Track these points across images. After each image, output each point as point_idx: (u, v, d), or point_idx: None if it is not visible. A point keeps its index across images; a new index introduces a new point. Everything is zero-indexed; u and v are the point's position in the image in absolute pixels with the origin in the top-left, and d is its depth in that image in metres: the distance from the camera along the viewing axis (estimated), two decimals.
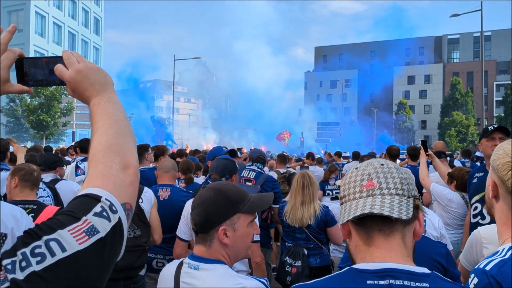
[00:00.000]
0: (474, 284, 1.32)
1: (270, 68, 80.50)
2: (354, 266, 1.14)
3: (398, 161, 11.42)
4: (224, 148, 5.70)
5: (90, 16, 50.77)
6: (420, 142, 5.21)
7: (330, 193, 8.08)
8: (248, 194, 1.79)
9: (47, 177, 4.42)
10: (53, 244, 0.75)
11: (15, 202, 3.03)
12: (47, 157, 4.81)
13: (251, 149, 6.78)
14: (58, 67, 1.05)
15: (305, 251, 3.90)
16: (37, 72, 1.08)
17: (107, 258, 0.81)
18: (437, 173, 5.17)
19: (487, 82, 59.65)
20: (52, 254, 0.74)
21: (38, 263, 0.72)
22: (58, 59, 1.06)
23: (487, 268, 1.32)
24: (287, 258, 3.92)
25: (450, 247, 3.42)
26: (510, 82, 46.54)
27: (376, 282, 1.07)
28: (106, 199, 0.86)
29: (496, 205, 1.44)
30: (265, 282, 1.69)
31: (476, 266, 1.39)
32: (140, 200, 3.47)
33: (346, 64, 75.60)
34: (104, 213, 0.84)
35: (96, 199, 0.85)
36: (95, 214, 0.82)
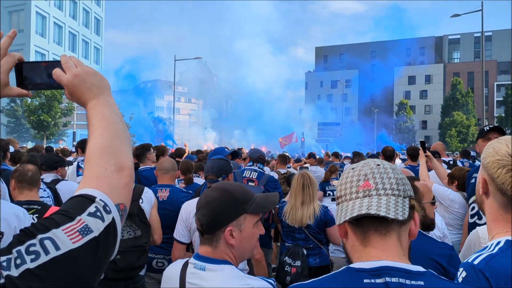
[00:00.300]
0: (462, 277, 1.35)
1: (270, 68, 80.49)
2: (351, 265, 1.16)
3: (399, 161, 11.44)
4: (226, 149, 5.72)
5: (90, 16, 50.80)
6: (419, 143, 5.21)
7: (331, 193, 8.07)
8: (254, 195, 1.78)
9: (48, 177, 4.43)
10: (47, 243, 0.77)
11: (20, 203, 3.10)
12: (49, 157, 4.82)
13: (251, 149, 6.80)
14: (56, 71, 1.08)
15: (305, 251, 3.92)
16: (36, 76, 1.11)
17: (100, 257, 0.83)
18: (433, 172, 5.19)
19: (487, 82, 59.62)
20: (46, 252, 0.76)
21: (32, 260, 0.74)
22: (57, 63, 1.09)
23: (475, 262, 1.35)
24: (286, 258, 3.93)
25: None
26: (510, 82, 46.51)
27: (372, 280, 1.08)
28: (100, 199, 0.89)
29: (486, 201, 1.48)
30: (272, 282, 1.68)
31: (465, 260, 1.42)
32: (140, 201, 3.48)
33: (346, 64, 75.59)
34: (98, 213, 0.86)
35: (90, 199, 0.88)
36: (89, 214, 0.85)
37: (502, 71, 65.09)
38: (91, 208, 0.86)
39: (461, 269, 1.38)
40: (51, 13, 43.51)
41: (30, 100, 25.90)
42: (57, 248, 0.77)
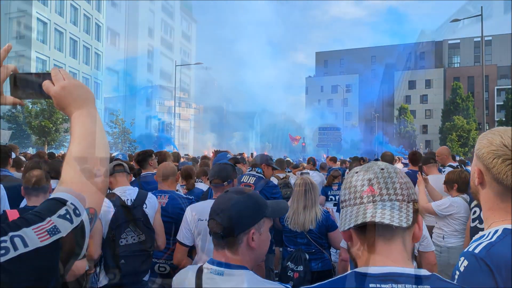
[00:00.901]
0: (464, 266, 1.38)
1: (271, 72, 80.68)
2: (356, 269, 1.17)
3: (401, 165, 11.43)
4: (228, 155, 5.74)
5: (91, 22, 50.94)
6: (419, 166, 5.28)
7: (333, 198, 8.07)
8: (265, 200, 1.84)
9: (52, 183, 4.45)
10: (17, 240, 0.85)
11: (28, 208, 3.19)
12: (56, 164, 4.83)
13: (251, 154, 6.82)
14: (45, 83, 1.17)
15: (307, 256, 3.92)
16: (28, 86, 1.20)
17: (65, 256, 0.92)
18: (431, 176, 5.22)
19: (488, 86, 59.64)
20: (15, 248, 0.83)
21: (2, 255, 0.82)
22: (47, 75, 1.19)
23: (476, 251, 1.38)
24: (289, 263, 3.94)
25: (432, 248, 3.49)
26: (511, 86, 46.55)
27: (378, 285, 1.09)
28: (71, 203, 0.97)
29: (482, 191, 1.51)
30: (290, 287, 1.70)
31: (465, 249, 1.45)
32: (144, 206, 3.50)
33: (346, 69, 75.71)
34: (68, 216, 0.94)
35: (62, 202, 0.97)
36: (59, 216, 0.93)
37: (502, 75, 65.10)
38: (62, 211, 0.94)
39: (462, 258, 1.41)
40: (52, 19, 43.59)
41: (31, 106, 25.99)
42: (25, 245, 0.85)
